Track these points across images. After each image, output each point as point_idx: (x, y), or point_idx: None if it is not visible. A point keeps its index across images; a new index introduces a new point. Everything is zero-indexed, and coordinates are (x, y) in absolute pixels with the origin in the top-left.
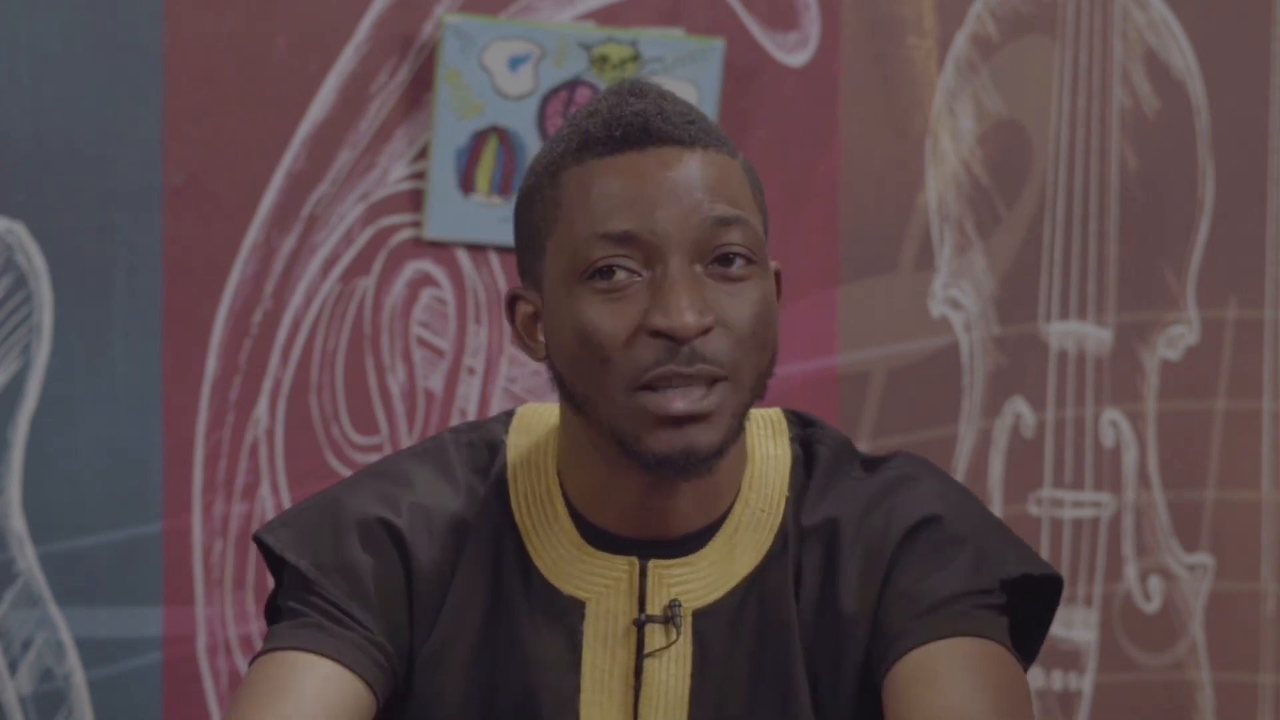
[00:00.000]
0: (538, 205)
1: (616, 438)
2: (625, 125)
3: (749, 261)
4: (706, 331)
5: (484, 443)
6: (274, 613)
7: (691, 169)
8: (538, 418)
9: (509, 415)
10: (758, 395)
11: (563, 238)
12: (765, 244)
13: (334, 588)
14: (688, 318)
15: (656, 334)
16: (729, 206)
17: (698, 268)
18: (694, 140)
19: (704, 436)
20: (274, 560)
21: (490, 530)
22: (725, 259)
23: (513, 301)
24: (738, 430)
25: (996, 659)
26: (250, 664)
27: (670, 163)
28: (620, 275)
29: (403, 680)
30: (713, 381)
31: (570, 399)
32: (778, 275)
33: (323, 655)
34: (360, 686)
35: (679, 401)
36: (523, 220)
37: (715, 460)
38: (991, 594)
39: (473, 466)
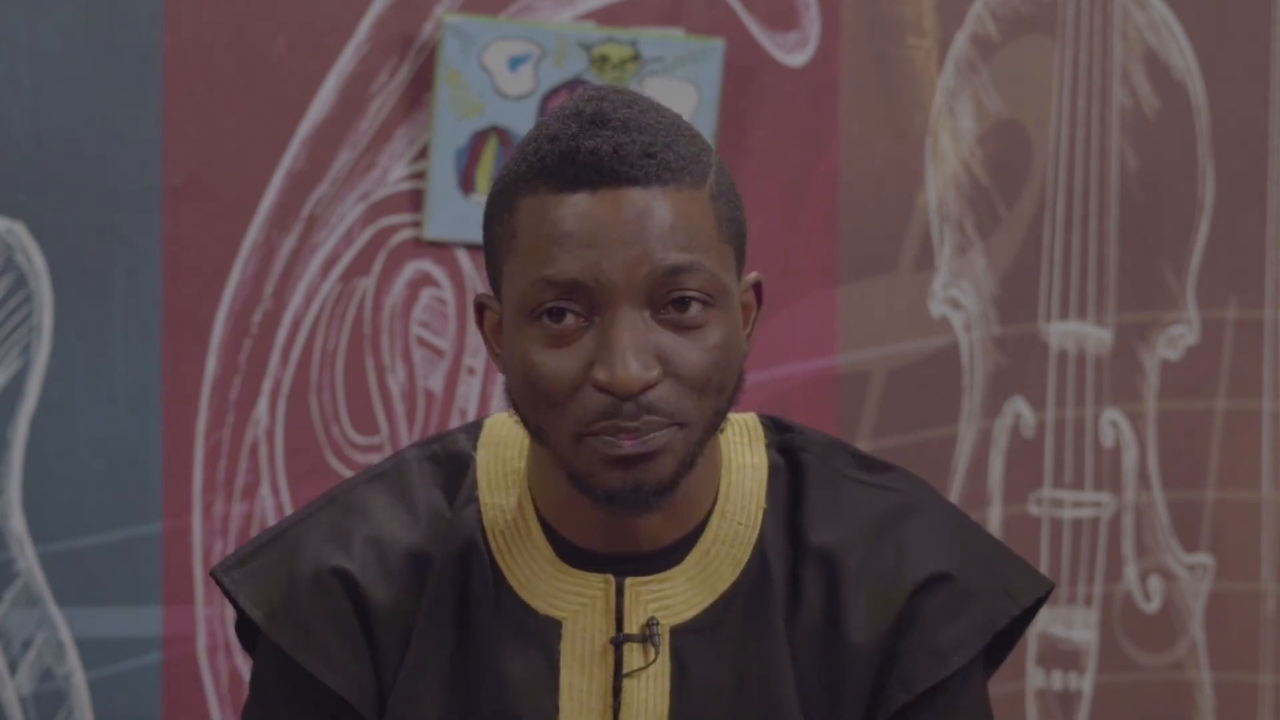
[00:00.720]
0: (496, 226)
1: (568, 472)
2: (579, 164)
3: (705, 305)
4: (652, 386)
5: (450, 456)
6: (245, 639)
7: (644, 213)
8: (508, 430)
9: (477, 427)
10: (715, 431)
11: (516, 269)
12: (729, 278)
13: (286, 639)
14: (632, 371)
15: (600, 388)
16: (682, 252)
17: (647, 314)
18: (651, 178)
19: (652, 474)
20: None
21: (457, 551)
22: (680, 303)
23: (481, 309)
24: (690, 465)
25: None
26: None
27: (622, 207)
28: (569, 320)
29: (373, 717)
30: (663, 426)
31: (525, 425)
32: (758, 287)
33: None
34: None
35: (627, 443)
36: (486, 232)
37: (665, 496)
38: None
39: (437, 482)
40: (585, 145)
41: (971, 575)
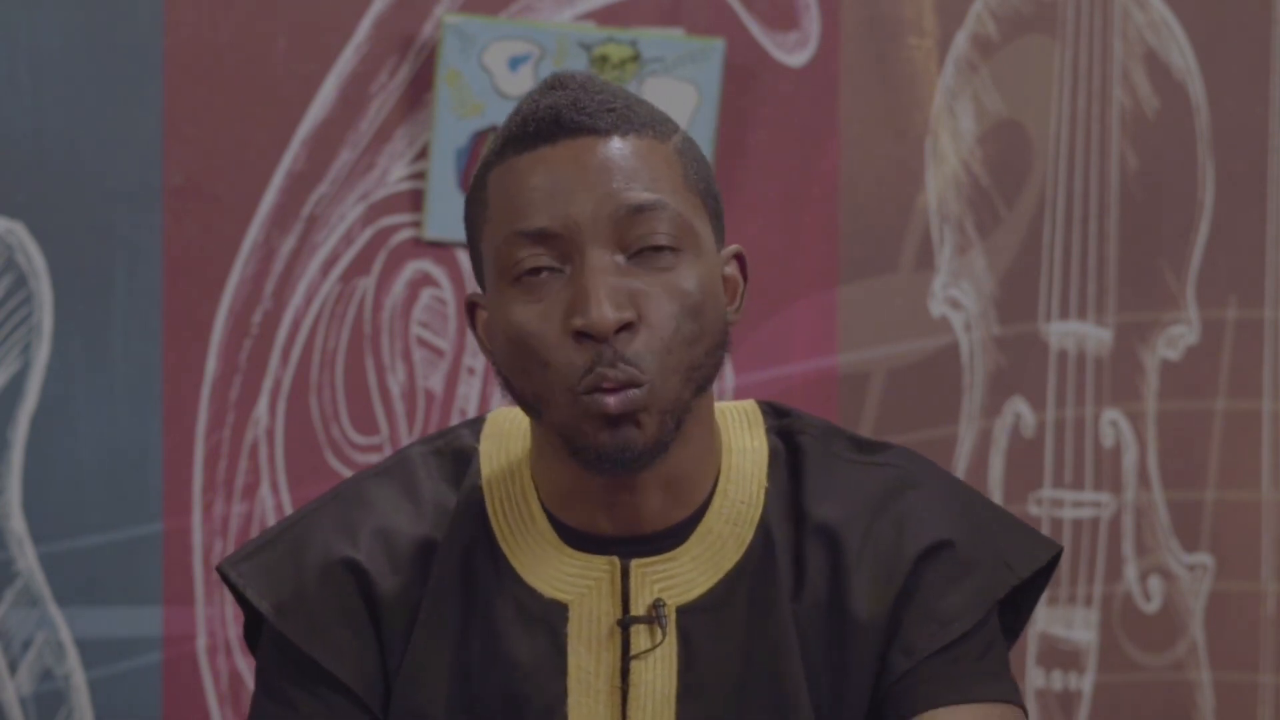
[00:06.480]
0: (472, 208)
1: (563, 436)
2: (538, 119)
3: (675, 251)
4: (628, 326)
5: (453, 450)
6: (253, 645)
7: (605, 157)
8: (510, 422)
9: (479, 421)
10: (700, 385)
11: (490, 239)
12: (701, 226)
13: (293, 629)
14: (605, 312)
15: (578, 334)
16: (646, 191)
17: (620, 258)
18: (610, 128)
19: (637, 434)
20: (238, 592)
21: (462, 541)
22: (653, 248)
23: (472, 309)
24: (675, 425)
25: None
26: None
27: (582, 153)
28: (544, 274)
29: (380, 708)
30: (642, 381)
31: (520, 401)
32: (740, 258)
33: None
34: None
35: (612, 399)
36: (466, 224)
37: (652, 456)
38: (989, 623)
39: (442, 476)
40: (544, 104)
41: (972, 543)
